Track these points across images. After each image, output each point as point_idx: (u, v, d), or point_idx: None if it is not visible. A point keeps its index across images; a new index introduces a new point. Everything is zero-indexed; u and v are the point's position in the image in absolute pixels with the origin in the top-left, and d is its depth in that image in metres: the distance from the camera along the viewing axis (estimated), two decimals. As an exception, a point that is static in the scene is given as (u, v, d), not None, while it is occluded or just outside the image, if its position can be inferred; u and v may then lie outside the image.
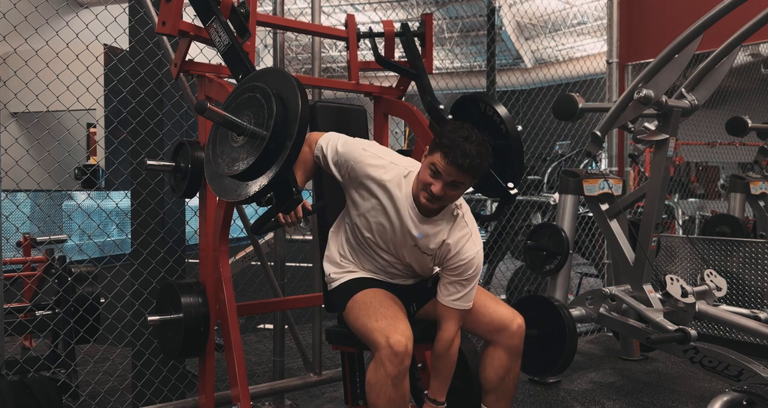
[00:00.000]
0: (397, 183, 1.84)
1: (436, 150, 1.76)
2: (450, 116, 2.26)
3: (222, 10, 1.89)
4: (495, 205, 2.31)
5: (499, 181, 2.14)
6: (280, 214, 1.76)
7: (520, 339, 1.95)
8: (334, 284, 1.97)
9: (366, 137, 2.29)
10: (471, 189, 2.00)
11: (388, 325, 1.74)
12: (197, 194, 2.14)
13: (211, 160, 1.65)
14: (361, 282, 1.94)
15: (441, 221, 1.86)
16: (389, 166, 1.86)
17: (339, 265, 1.98)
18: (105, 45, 2.78)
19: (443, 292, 1.87)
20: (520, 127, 2.16)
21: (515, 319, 1.94)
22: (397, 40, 2.56)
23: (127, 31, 2.59)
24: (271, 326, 2.90)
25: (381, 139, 2.54)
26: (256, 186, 1.54)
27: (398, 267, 1.97)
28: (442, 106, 2.27)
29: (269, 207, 1.66)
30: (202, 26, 1.98)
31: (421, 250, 1.87)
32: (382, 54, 2.52)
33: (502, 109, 2.16)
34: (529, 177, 4.86)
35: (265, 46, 3.07)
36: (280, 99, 1.52)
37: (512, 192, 2.12)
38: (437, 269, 1.95)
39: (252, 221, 1.82)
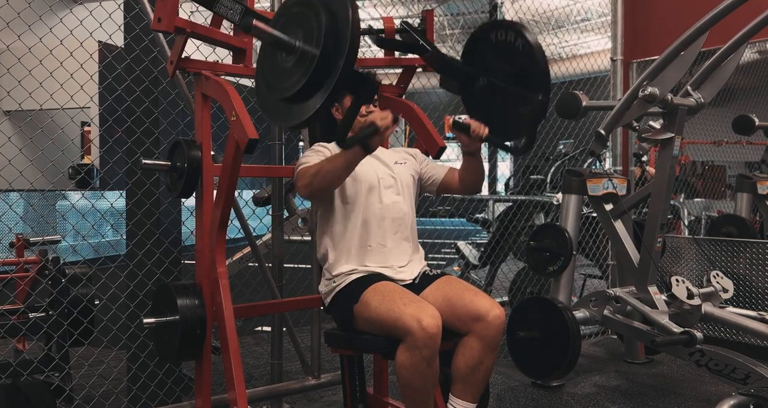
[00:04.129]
0: (334, 145, 2.04)
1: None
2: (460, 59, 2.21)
3: None
4: (497, 206, 2.27)
5: (524, 93, 2.01)
6: (372, 115, 1.70)
7: (497, 331, 1.89)
8: (346, 281, 1.99)
9: None
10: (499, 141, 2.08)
11: (418, 309, 1.77)
12: (193, 194, 2.11)
13: (262, 88, 1.59)
14: (373, 277, 1.98)
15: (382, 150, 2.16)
16: (328, 145, 2.11)
17: (344, 266, 2.03)
18: (100, 42, 2.74)
19: (437, 171, 2.22)
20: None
21: (493, 310, 1.89)
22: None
23: (122, 27, 2.56)
24: (268, 329, 2.87)
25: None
26: (311, 107, 1.46)
27: (388, 226, 2.04)
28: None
29: (350, 105, 1.61)
30: (199, 23, 1.94)
31: (387, 166, 2.12)
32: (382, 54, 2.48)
33: (515, 26, 2.06)
34: (531, 176, 4.82)
35: (263, 44, 3.02)
36: (327, 9, 1.44)
37: (542, 99, 2.00)
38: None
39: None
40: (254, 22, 1.42)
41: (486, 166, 2.49)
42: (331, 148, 2.08)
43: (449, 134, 2.28)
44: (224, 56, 2.36)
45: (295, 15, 1.51)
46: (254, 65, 2.22)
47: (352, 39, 1.40)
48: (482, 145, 2.08)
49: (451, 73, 2.23)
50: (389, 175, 2.12)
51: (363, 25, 2.51)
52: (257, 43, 2.87)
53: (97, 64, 2.90)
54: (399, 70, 2.57)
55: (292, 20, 1.52)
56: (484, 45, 2.16)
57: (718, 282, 2.76)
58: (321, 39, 1.42)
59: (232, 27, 2.23)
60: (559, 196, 3.81)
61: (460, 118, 2.05)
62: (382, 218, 2.06)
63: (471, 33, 2.23)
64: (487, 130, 2.01)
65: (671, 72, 2.56)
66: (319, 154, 2.05)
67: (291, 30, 1.50)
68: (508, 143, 2.29)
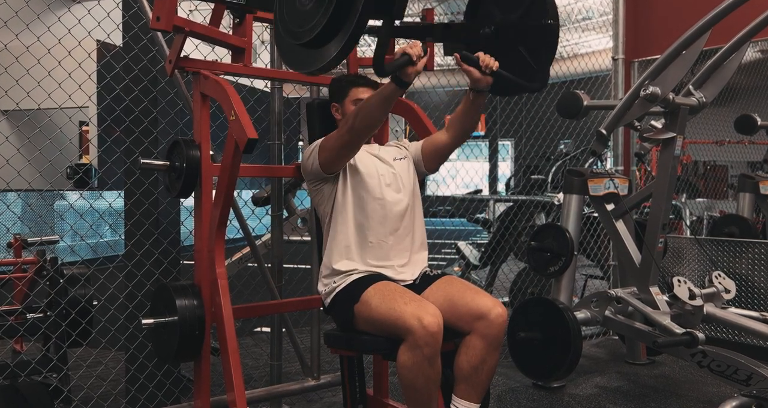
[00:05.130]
0: None
1: (344, 92, 2.15)
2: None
3: None
4: (498, 206, 2.26)
5: (531, 25, 1.96)
6: (402, 46, 1.67)
7: (499, 329, 1.88)
8: (346, 282, 1.98)
9: None
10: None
11: (418, 307, 1.76)
12: (192, 194, 2.09)
13: (282, 33, 1.55)
14: (373, 277, 1.97)
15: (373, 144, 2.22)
16: None
17: (345, 263, 2.02)
18: (98, 41, 2.74)
19: (417, 146, 2.23)
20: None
21: (495, 308, 1.88)
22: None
23: (120, 26, 2.55)
24: (268, 329, 2.87)
25: (381, 137, 2.49)
26: (331, 51, 1.43)
27: (389, 222, 2.03)
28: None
29: (383, 25, 1.59)
30: (197, 22, 1.93)
31: (387, 163, 2.12)
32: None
33: None
34: (532, 176, 4.81)
35: (262, 42, 3.03)
36: None
37: (552, 22, 1.95)
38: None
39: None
40: None
41: (486, 165, 2.47)
42: None
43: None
44: (223, 55, 2.35)
45: None
46: (253, 65, 2.22)
47: None
48: (491, 80, 1.97)
49: (455, 36, 2.16)
50: (390, 172, 2.11)
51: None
52: (257, 42, 2.86)
53: (96, 63, 2.90)
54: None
55: None
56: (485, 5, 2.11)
57: (720, 282, 2.75)
58: None
59: (231, 26, 2.23)
60: (560, 196, 3.80)
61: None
62: (384, 215, 2.05)
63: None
64: (497, 63, 1.92)
65: (673, 71, 2.54)
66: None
67: None
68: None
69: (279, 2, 1.58)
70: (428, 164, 2.22)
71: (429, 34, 2.20)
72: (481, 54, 1.93)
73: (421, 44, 1.74)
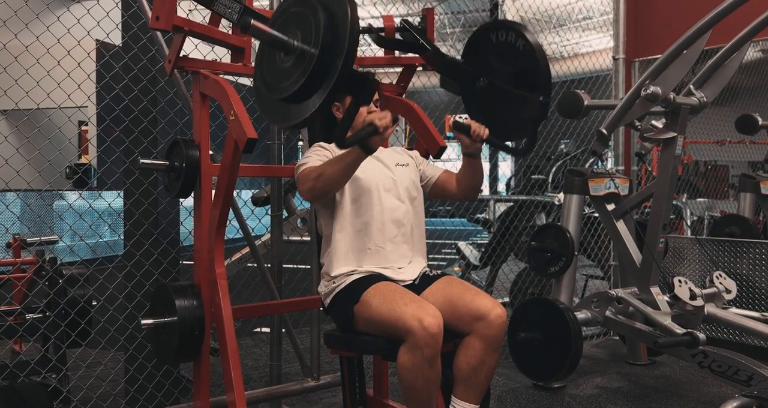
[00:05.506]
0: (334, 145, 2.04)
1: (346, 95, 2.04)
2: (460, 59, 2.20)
3: None
4: (498, 206, 2.27)
5: (525, 96, 2.02)
6: (371, 115, 1.69)
7: (499, 330, 1.87)
8: (346, 282, 1.98)
9: None
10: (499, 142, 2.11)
11: (418, 308, 1.76)
12: (192, 194, 2.09)
13: (261, 88, 1.58)
14: (374, 277, 1.96)
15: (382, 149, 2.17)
16: (329, 146, 2.10)
17: (344, 267, 2.01)
18: (97, 40, 2.73)
19: (432, 172, 2.22)
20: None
21: (494, 309, 1.87)
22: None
23: (119, 26, 2.54)
24: (267, 330, 2.86)
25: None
26: (310, 107, 1.45)
27: (388, 229, 2.02)
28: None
29: (348, 106, 1.60)
30: (197, 21, 1.93)
31: (388, 167, 2.11)
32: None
33: (515, 26, 2.06)
34: (533, 176, 4.80)
35: (262, 42, 3.00)
36: (326, 10, 1.43)
37: (543, 101, 2.02)
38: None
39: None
40: (252, 21, 1.41)
41: (486, 165, 2.48)
42: (331, 149, 2.06)
43: (449, 133, 2.26)
44: (223, 55, 2.34)
45: (293, 14, 1.50)
46: (253, 64, 2.21)
47: (351, 38, 1.38)
48: (482, 146, 2.07)
49: (451, 73, 2.22)
50: (390, 178, 2.10)
51: (363, 24, 2.50)
52: (256, 42, 2.86)
53: (95, 62, 2.89)
54: (399, 69, 2.55)
55: (290, 19, 1.51)
56: (484, 46, 2.16)
57: (721, 283, 2.74)
58: (320, 39, 1.41)
59: (230, 25, 2.22)
60: (561, 196, 3.80)
61: (460, 117, 2.05)
62: (382, 221, 2.03)
63: (471, 33, 2.21)
64: (487, 132, 2.01)
65: (674, 71, 2.54)
66: (319, 154, 2.03)
67: (289, 29, 1.49)
68: (508, 144, 2.29)
69: (259, 58, 1.60)
70: (431, 193, 2.26)
71: (430, 62, 2.27)
72: (473, 123, 2.01)
73: (390, 115, 1.74)
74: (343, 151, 1.83)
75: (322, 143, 2.11)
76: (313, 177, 1.88)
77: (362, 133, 1.71)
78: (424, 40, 2.25)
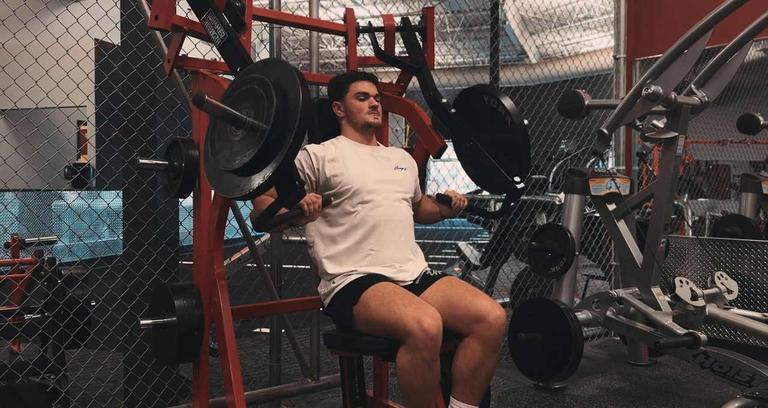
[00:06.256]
0: (336, 141, 2.17)
1: (345, 89, 2.18)
2: (453, 110, 2.23)
3: (217, 2, 1.85)
4: (499, 204, 2.28)
5: (504, 176, 2.12)
6: (305, 197, 1.70)
7: (498, 332, 1.87)
8: (345, 282, 1.98)
9: None
10: (476, 187, 2.15)
11: (418, 310, 1.75)
12: (191, 194, 2.09)
13: (210, 157, 1.60)
14: (373, 277, 1.96)
15: (379, 145, 2.26)
16: (326, 143, 2.17)
17: (343, 267, 2.01)
18: (96, 40, 2.72)
19: (417, 195, 2.28)
20: (526, 122, 2.11)
21: (494, 310, 1.87)
22: (398, 34, 2.50)
23: (118, 25, 2.53)
24: (267, 330, 2.85)
25: (381, 136, 2.48)
26: (258, 180, 1.48)
27: (388, 230, 2.03)
28: (445, 100, 2.25)
29: (271, 204, 1.63)
30: (196, 20, 1.92)
31: (387, 169, 2.14)
32: (382, 49, 2.47)
33: (507, 102, 2.14)
34: (533, 176, 4.79)
35: (261, 41, 3.01)
36: (279, 89, 1.47)
37: (519, 186, 2.13)
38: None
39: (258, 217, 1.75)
40: (207, 98, 1.45)
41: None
42: (315, 153, 2.07)
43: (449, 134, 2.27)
44: (222, 54, 2.33)
45: (247, 91, 1.54)
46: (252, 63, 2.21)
47: (302, 117, 1.43)
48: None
49: (441, 116, 2.28)
50: (389, 179, 2.11)
51: (363, 23, 2.50)
52: (256, 42, 2.85)
53: (94, 62, 2.88)
54: (399, 69, 2.54)
55: (244, 96, 1.55)
56: (476, 102, 2.23)
57: (722, 283, 2.74)
58: (271, 116, 1.45)
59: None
60: (562, 196, 3.78)
61: (443, 192, 2.23)
62: (381, 221, 2.03)
63: (469, 88, 2.27)
64: (466, 203, 2.20)
65: (675, 70, 2.53)
66: (300, 159, 2.05)
67: (243, 105, 1.53)
68: (488, 210, 2.41)
69: (211, 127, 1.63)
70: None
71: (425, 93, 2.32)
72: (453, 195, 2.19)
73: (321, 202, 1.75)
74: (270, 207, 1.72)
75: (310, 146, 2.11)
76: (254, 208, 1.97)
77: (288, 215, 1.71)
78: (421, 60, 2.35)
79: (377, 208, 2.04)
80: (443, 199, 2.19)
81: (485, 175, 2.24)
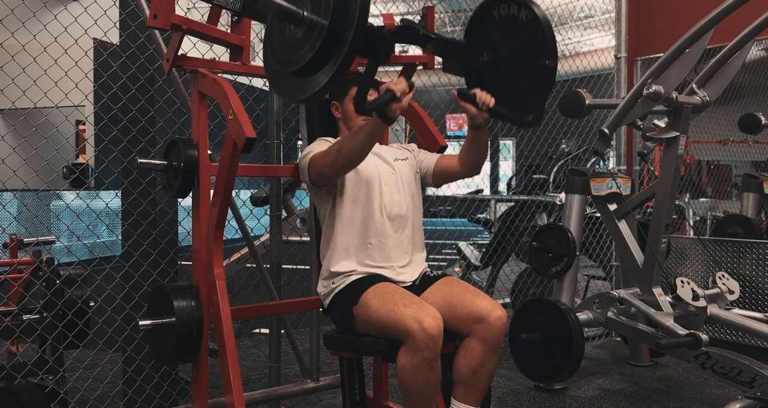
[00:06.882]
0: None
1: (344, 90, 2.12)
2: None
3: None
4: (499, 206, 2.25)
5: (529, 62, 1.94)
6: (388, 83, 1.65)
7: (499, 332, 1.86)
8: (345, 282, 1.97)
9: None
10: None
11: (418, 310, 1.74)
12: (190, 194, 2.07)
13: (270, 59, 1.55)
14: (373, 277, 1.95)
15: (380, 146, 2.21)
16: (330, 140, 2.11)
17: (345, 266, 2.00)
18: (94, 39, 2.71)
19: (431, 158, 2.21)
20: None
21: (494, 311, 1.86)
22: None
23: (117, 24, 2.52)
24: (266, 331, 2.84)
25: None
26: (323, 77, 1.42)
27: (389, 223, 2.01)
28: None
29: (366, 66, 1.56)
30: (195, 20, 1.91)
31: (387, 163, 2.10)
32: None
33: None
34: (534, 176, 4.78)
35: (261, 40, 2.99)
36: None
37: (549, 63, 1.94)
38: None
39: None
40: None
41: (487, 165, 2.45)
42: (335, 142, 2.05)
43: (450, 133, 2.25)
44: (221, 54, 2.33)
45: None
46: (252, 63, 2.20)
47: (362, 7, 1.35)
48: (488, 116, 1.99)
49: (452, 54, 2.15)
50: (390, 172, 2.10)
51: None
52: (255, 41, 2.84)
53: (92, 61, 2.87)
54: (399, 68, 2.53)
55: None
56: (486, 23, 2.09)
57: (723, 283, 2.73)
58: (330, 8, 1.38)
59: (229, 24, 2.20)
60: (562, 195, 3.78)
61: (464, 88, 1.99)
62: (383, 216, 2.03)
63: (473, 12, 2.15)
64: (493, 100, 1.94)
65: (676, 70, 2.52)
66: (325, 144, 2.02)
67: (299, 2, 1.46)
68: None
69: (270, 28, 1.56)
70: (435, 180, 2.23)
71: (429, 43, 2.17)
72: (477, 91, 1.94)
73: (406, 81, 1.72)
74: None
75: (326, 137, 2.12)
76: (334, 150, 1.87)
77: (380, 99, 1.67)
78: (425, 31, 2.21)
79: (377, 201, 2.03)
80: (466, 96, 1.94)
81: (506, 94, 2.03)
